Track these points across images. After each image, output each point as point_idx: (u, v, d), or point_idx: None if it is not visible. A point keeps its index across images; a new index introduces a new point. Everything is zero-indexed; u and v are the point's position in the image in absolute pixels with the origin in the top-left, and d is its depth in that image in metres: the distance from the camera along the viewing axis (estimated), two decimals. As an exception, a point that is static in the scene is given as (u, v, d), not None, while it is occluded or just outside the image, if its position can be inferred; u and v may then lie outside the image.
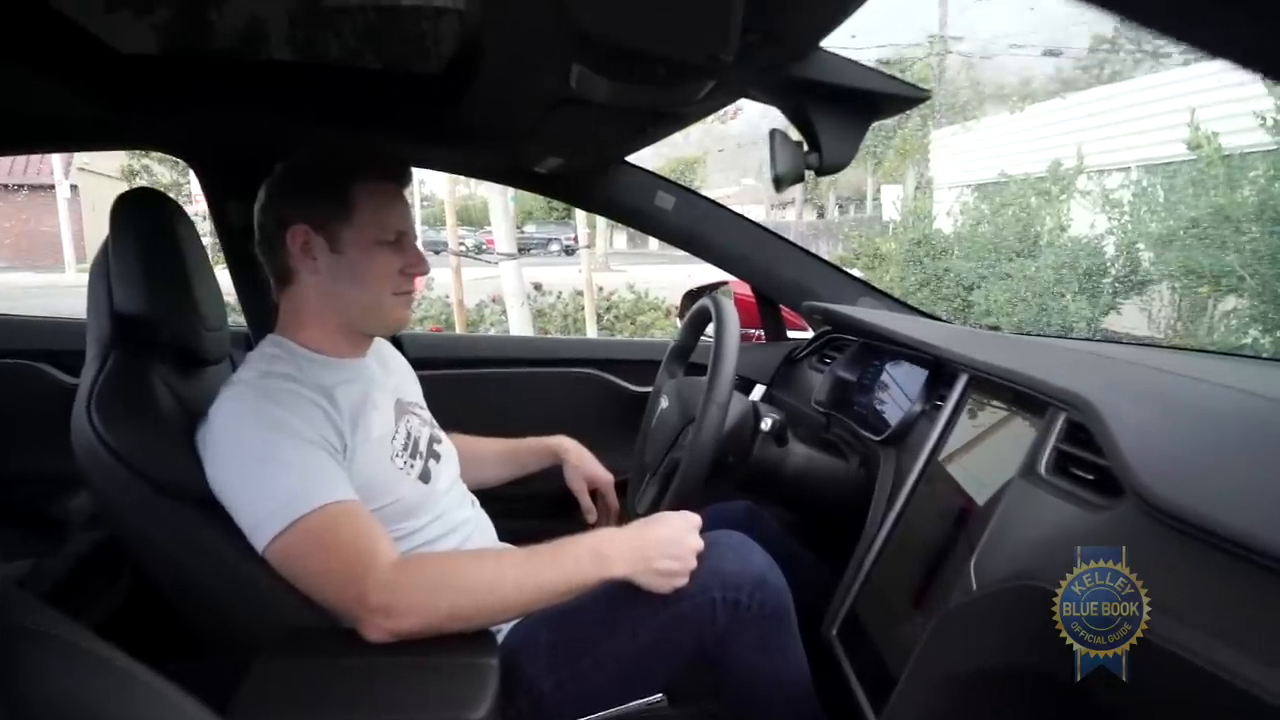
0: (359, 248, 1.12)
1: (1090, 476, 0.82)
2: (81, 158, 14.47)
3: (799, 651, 1.18)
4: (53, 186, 14.32)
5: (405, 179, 1.20)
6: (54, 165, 14.12)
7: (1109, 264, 6.72)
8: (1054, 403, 0.91)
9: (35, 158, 15.78)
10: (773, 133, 0.89)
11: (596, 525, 1.46)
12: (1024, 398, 1.00)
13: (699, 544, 1.09)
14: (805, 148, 0.93)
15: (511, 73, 1.08)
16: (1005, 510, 0.89)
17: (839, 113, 0.91)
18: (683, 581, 1.07)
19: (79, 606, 1.37)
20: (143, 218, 1.15)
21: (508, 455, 1.53)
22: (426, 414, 1.32)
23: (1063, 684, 0.72)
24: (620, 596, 1.13)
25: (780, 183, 0.90)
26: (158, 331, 1.13)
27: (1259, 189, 5.35)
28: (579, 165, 1.61)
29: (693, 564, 1.07)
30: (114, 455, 1.03)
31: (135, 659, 0.49)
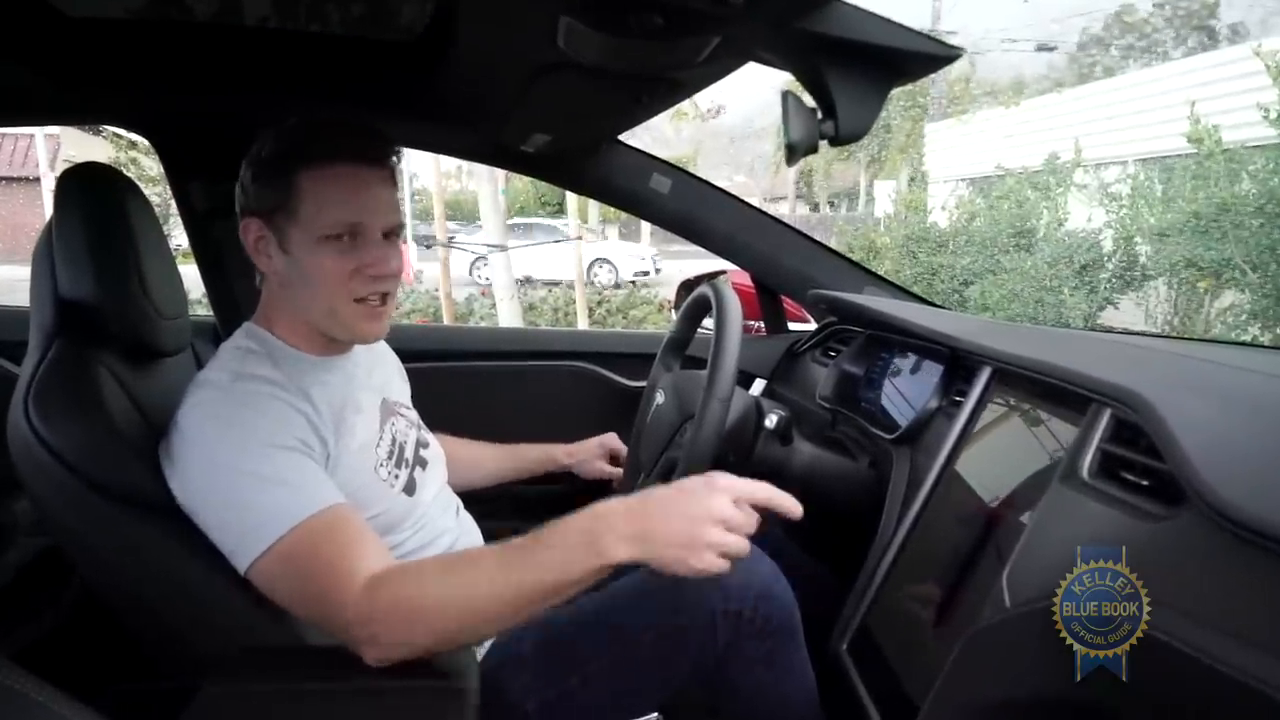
0: (304, 247, 0.96)
1: (1144, 481, 0.73)
2: (68, 150, 14.31)
3: (806, 668, 1.11)
4: (38, 179, 14.15)
5: (372, 157, 0.98)
6: (39, 158, 13.95)
7: (1106, 258, 6.66)
8: (1098, 398, 0.82)
9: (20, 150, 15.63)
10: (785, 95, 0.79)
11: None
12: (1059, 393, 0.91)
13: (726, 512, 0.83)
14: (819, 115, 0.84)
15: (492, 34, 0.98)
16: (1042, 518, 0.81)
17: (858, 74, 0.81)
18: (716, 564, 0.83)
19: (20, 618, 1.27)
20: (90, 195, 1.05)
21: (509, 458, 1.47)
22: (413, 414, 1.22)
23: (1108, 717, 0.64)
24: (610, 606, 1.05)
25: (794, 152, 0.81)
26: (105, 319, 1.02)
27: (1260, 182, 5.29)
28: (569, 143, 1.51)
29: (719, 539, 0.82)
30: (52, 454, 0.92)
31: (75, 680, 0.44)
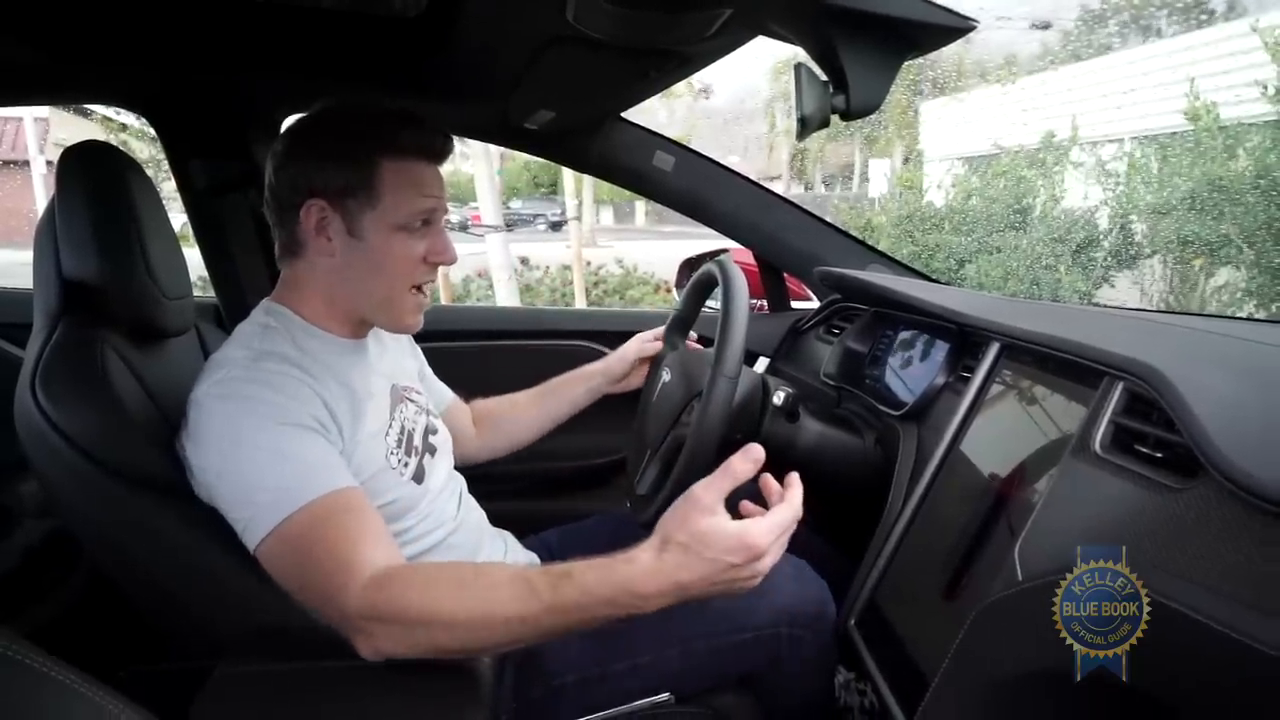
0: (380, 234, 0.97)
1: (1158, 454, 0.73)
2: (58, 133, 14.17)
3: (830, 657, 1.13)
4: (28, 163, 14.01)
5: (445, 153, 1.03)
6: (29, 141, 13.81)
7: (1102, 236, 6.65)
8: (1111, 372, 0.82)
9: (9, 134, 15.48)
10: (797, 67, 0.79)
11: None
12: (1070, 367, 0.91)
13: (755, 552, 0.78)
14: (830, 89, 0.83)
15: (500, 7, 0.96)
16: (1054, 492, 0.81)
17: (870, 46, 0.80)
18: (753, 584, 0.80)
19: (27, 603, 1.26)
20: (92, 174, 1.04)
21: (547, 396, 1.43)
22: (423, 398, 1.21)
23: (1128, 690, 0.64)
24: (678, 611, 1.06)
25: (805, 125, 0.80)
26: (110, 299, 1.01)
27: (1257, 159, 5.28)
28: (573, 120, 1.50)
29: (754, 573, 0.79)
30: (61, 435, 0.92)
31: (86, 664, 0.43)
